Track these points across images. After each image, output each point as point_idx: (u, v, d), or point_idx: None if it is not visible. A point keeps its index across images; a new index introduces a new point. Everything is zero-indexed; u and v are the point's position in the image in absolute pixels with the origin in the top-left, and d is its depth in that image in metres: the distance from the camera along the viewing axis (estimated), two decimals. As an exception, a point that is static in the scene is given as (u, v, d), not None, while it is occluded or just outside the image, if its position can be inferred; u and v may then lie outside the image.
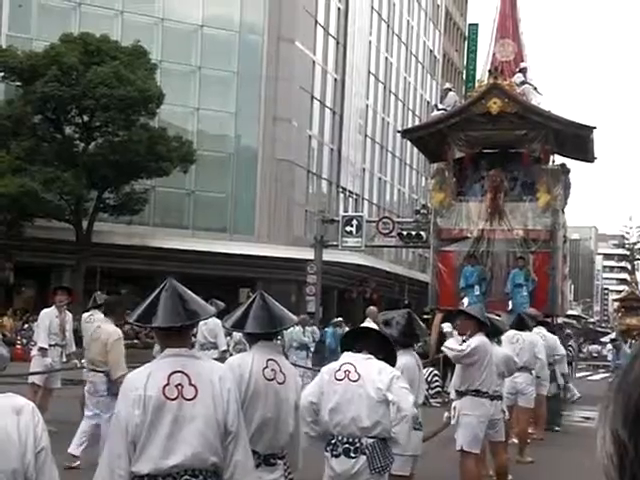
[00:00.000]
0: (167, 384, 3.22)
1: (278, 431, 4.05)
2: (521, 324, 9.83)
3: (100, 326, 8.47)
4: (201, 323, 11.90)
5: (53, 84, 24.88)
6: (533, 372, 9.88)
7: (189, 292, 3.44)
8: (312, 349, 17.73)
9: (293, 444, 4.17)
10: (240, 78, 33.76)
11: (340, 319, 22.31)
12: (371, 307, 14.25)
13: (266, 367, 4.07)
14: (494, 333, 7.55)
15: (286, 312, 4.34)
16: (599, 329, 53.69)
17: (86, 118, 26.63)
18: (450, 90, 20.70)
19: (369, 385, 4.59)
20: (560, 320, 18.18)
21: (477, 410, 6.83)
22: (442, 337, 16.43)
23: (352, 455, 4.56)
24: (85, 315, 10.95)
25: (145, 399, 3.19)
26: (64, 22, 29.84)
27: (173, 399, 3.22)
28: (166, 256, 28.89)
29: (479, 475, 7.12)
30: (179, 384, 3.24)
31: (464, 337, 6.98)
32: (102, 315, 10.82)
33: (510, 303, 16.51)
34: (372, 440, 4.57)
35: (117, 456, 3.20)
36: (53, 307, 10.41)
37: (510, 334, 9.10)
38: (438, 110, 19.89)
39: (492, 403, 7.04)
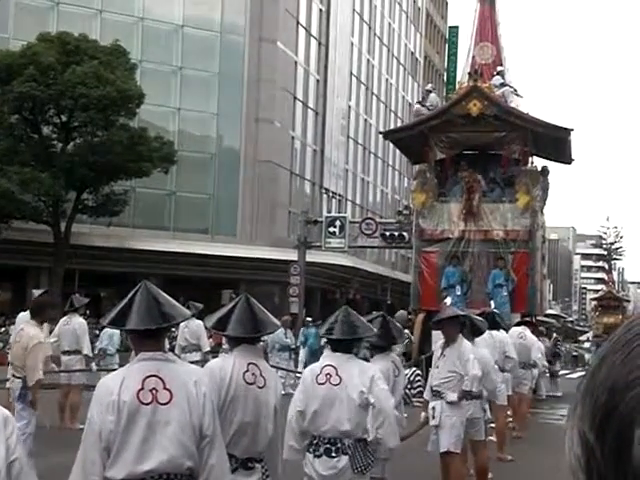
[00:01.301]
0: (141, 388, 3.18)
1: (257, 435, 4.03)
2: (493, 323, 9.87)
3: (23, 329, 8.03)
4: (182, 325, 11.85)
5: (30, 84, 24.61)
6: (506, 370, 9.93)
7: (164, 294, 3.41)
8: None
9: (273, 449, 4.14)
10: (222, 79, 33.66)
11: (309, 319, 22.27)
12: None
13: (247, 371, 4.04)
14: (475, 333, 7.60)
15: (270, 316, 4.30)
16: (578, 328, 54.14)
17: (64, 118, 26.39)
18: (431, 92, 20.85)
19: (351, 388, 4.59)
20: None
21: (459, 411, 6.86)
22: (424, 337, 16.56)
23: (334, 455, 4.58)
24: (63, 318, 10.86)
25: (119, 404, 3.15)
26: (42, 21, 29.58)
27: (147, 404, 3.18)
28: (147, 258, 28.72)
29: (465, 474, 7.14)
30: (153, 388, 3.20)
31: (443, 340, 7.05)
32: (80, 318, 10.77)
33: (491, 303, 16.60)
34: (353, 440, 4.60)
35: (91, 462, 3.16)
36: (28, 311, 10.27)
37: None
38: (422, 106, 20.00)
39: (471, 402, 7.07)
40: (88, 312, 16.87)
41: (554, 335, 22.98)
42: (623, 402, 0.53)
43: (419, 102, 21.14)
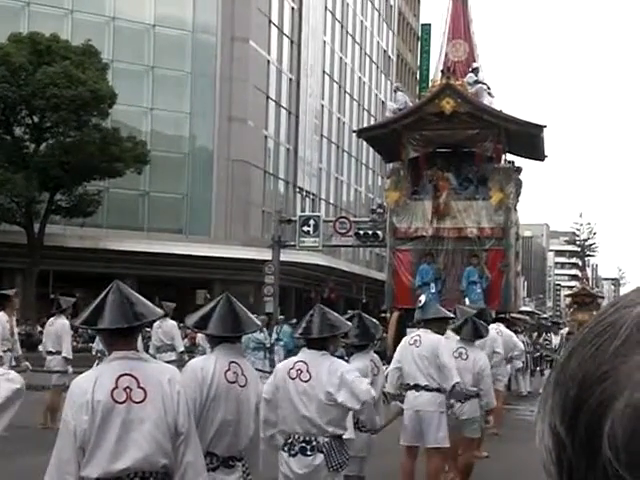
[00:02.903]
0: (115, 387, 3.21)
1: (238, 434, 4.05)
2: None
3: None
4: (156, 325, 11.80)
5: (2, 85, 24.38)
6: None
7: (135, 294, 3.43)
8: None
9: (253, 447, 4.16)
10: (194, 78, 33.50)
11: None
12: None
13: (228, 369, 4.05)
14: (475, 335, 7.79)
15: (251, 316, 4.34)
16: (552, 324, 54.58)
17: (36, 119, 26.14)
18: (397, 90, 20.98)
19: (319, 388, 4.64)
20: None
21: (406, 403, 6.94)
22: (399, 334, 16.64)
23: (309, 453, 4.61)
24: (49, 320, 10.94)
25: (93, 403, 3.17)
26: (12, 21, 29.22)
27: (122, 402, 3.20)
28: (121, 258, 28.51)
29: (410, 468, 7.12)
30: (127, 387, 3.22)
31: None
32: (65, 319, 10.73)
33: (466, 300, 16.71)
34: (328, 438, 4.64)
35: (66, 461, 3.17)
36: (2, 312, 10.18)
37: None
38: (392, 110, 20.08)
39: (466, 402, 7.26)
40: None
41: (544, 334, 23.05)
42: (593, 395, 0.53)
43: (395, 98, 21.19)
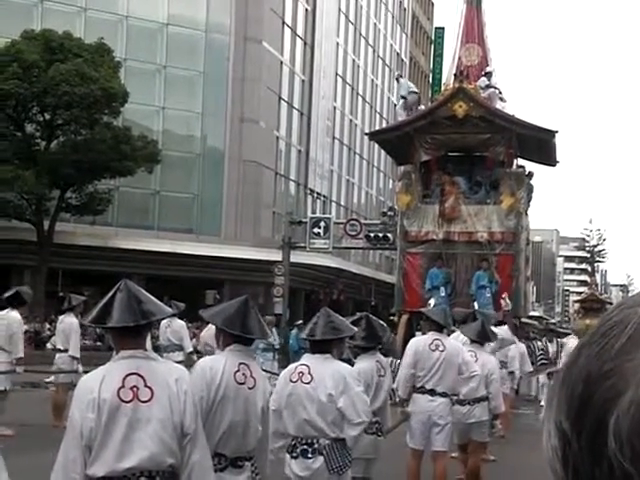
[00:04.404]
0: (122, 386, 3.20)
1: (246, 435, 4.05)
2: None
3: None
4: (164, 325, 11.79)
5: (14, 81, 24.45)
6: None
7: (144, 292, 3.42)
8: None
9: (261, 449, 4.17)
10: (206, 78, 33.54)
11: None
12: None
13: (238, 371, 4.06)
14: (483, 338, 7.86)
15: (264, 325, 4.37)
16: (560, 330, 54.40)
17: (48, 116, 26.22)
18: (400, 78, 21.05)
19: (321, 389, 4.64)
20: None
21: (416, 407, 6.91)
22: (408, 338, 16.59)
23: (309, 456, 4.64)
24: (60, 317, 11.01)
25: (99, 402, 3.16)
26: (25, 18, 29.34)
27: (128, 401, 3.19)
28: (130, 257, 28.56)
29: (416, 470, 7.10)
30: (134, 386, 3.21)
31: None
32: (74, 318, 10.74)
33: (475, 304, 16.66)
34: (329, 441, 4.64)
35: (72, 460, 3.16)
36: (15, 311, 10.18)
37: (455, 334, 9.21)
38: (399, 96, 20.22)
39: (477, 405, 7.34)
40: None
41: (538, 342, 22.80)
42: (599, 391, 0.54)
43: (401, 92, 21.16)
